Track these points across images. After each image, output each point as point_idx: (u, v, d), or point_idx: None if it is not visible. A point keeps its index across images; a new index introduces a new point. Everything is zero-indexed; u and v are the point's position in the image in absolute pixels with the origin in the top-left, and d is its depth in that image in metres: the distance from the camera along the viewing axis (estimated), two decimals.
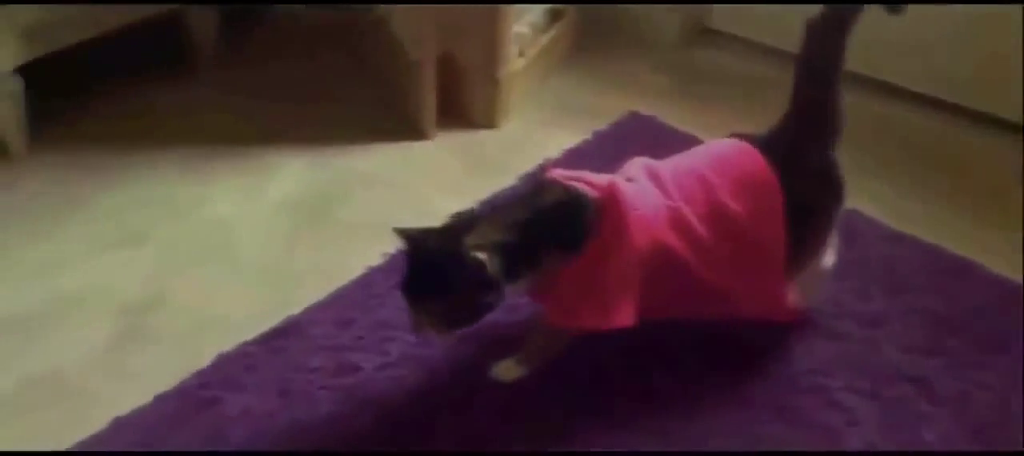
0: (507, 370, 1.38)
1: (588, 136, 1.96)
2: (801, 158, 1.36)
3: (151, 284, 1.58)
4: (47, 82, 1.89)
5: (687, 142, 1.91)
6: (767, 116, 2.04)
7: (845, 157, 1.94)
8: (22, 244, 1.65)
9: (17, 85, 1.78)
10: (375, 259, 1.60)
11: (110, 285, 1.57)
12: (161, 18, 2.02)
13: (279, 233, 1.70)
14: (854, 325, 1.50)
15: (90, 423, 1.30)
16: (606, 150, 1.90)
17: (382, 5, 2.01)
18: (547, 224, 1.24)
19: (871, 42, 2.06)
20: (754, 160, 1.35)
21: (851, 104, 2.12)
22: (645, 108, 2.05)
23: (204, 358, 1.41)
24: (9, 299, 1.53)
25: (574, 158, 1.86)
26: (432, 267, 1.19)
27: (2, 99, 1.77)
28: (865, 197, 1.78)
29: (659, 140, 1.93)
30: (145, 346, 1.46)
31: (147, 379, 1.38)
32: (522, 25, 1.98)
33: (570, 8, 2.20)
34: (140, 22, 1.95)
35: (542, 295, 1.30)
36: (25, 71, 1.79)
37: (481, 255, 1.17)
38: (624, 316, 1.26)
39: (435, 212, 1.36)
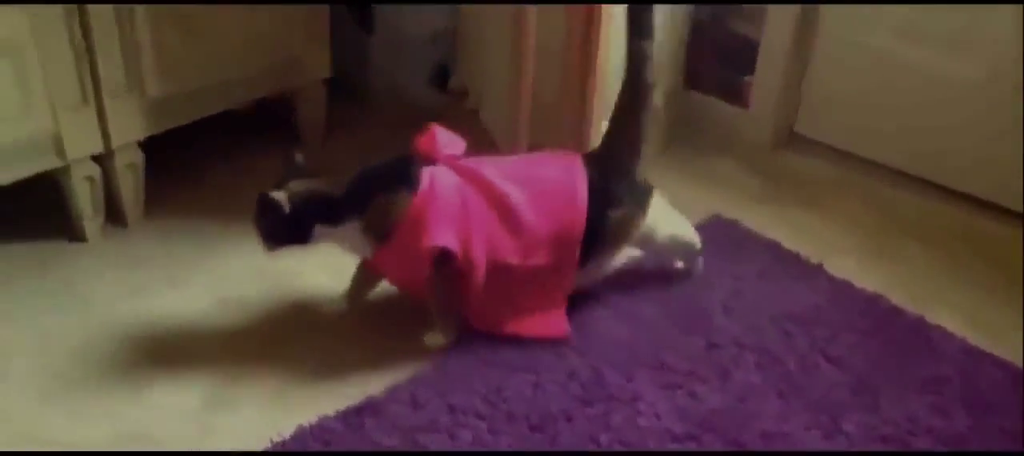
0: (431, 338, 1.66)
1: None
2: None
3: (241, 350, 1.66)
4: (165, 152, 2.03)
5: (769, 249, 1.93)
6: (852, 223, 2.04)
7: (927, 265, 1.92)
8: (128, 305, 1.76)
9: (139, 157, 1.92)
10: (453, 345, 1.66)
11: (204, 348, 1.66)
12: (275, 99, 2.16)
13: (365, 311, 1.77)
14: (934, 442, 1.47)
15: None
16: None
17: (476, 95, 2.10)
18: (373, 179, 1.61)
19: (957, 155, 2.07)
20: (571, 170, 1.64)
21: (934, 213, 2.11)
22: (729, 208, 2.07)
23: (285, 428, 1.48)
24: (108, 356, 1.64)
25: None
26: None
27: (124, 170, 1.91)
28: (944, 308, 1.76)
29: (741, 245, 1.95)
30: (231, 411, 1.54)
31: (231, 443, 1.46)
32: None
33: (660, 106, 2.24)
34: (256, 102, 2.10)
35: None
36: (146, 143, 1.94)
37: (279, 196, 1.55)
38: (443, 238, 1.55)
39: None
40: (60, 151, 1.78)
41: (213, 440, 1.47)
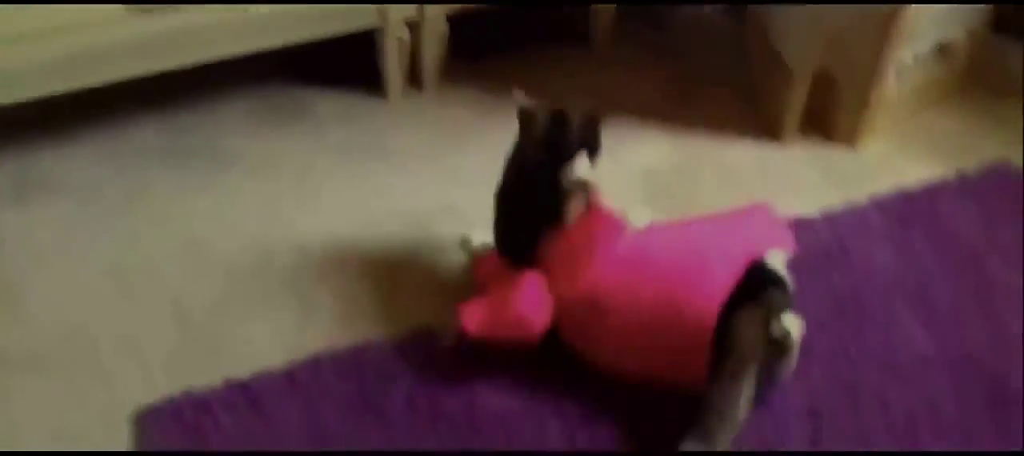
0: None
1: (949, 173, 1.92)
2: None
3: None
4: (466, 33, 2.19)
5: None
6: None
7: None
8: (412, 166, 1.96)
9: (444, 29, 2.09)
10: None
11: (462, 211, 1.82)
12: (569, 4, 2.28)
13: (629, 199, 1.84)
14: None
15: None
16: (967, 193, 1.86)
17: (767, 12, 2.09)
18: None
19: None
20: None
21: None
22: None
23: None
24: (406, 204, 1.85)
25: (931, 194, 1.85)
26: None
27: (430, 38, 2.09)
28: None
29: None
30: None
31: None
32: (906, 55, 1.97)
33: (962, 46, 2.13)
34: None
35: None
36: (451, 20, 2.10)
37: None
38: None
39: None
40: (383, 13, 2.00)
41: None
